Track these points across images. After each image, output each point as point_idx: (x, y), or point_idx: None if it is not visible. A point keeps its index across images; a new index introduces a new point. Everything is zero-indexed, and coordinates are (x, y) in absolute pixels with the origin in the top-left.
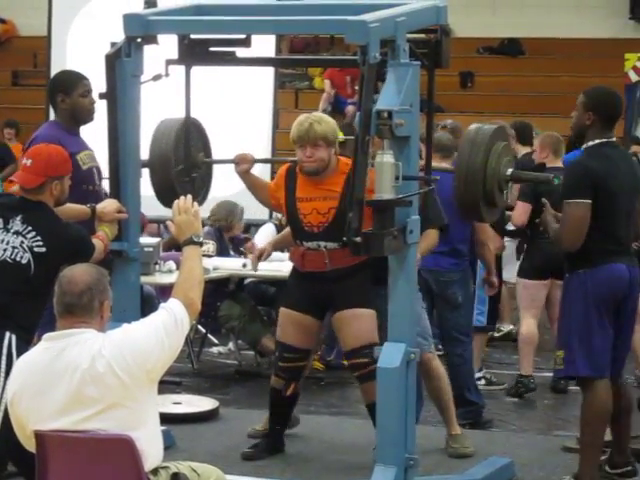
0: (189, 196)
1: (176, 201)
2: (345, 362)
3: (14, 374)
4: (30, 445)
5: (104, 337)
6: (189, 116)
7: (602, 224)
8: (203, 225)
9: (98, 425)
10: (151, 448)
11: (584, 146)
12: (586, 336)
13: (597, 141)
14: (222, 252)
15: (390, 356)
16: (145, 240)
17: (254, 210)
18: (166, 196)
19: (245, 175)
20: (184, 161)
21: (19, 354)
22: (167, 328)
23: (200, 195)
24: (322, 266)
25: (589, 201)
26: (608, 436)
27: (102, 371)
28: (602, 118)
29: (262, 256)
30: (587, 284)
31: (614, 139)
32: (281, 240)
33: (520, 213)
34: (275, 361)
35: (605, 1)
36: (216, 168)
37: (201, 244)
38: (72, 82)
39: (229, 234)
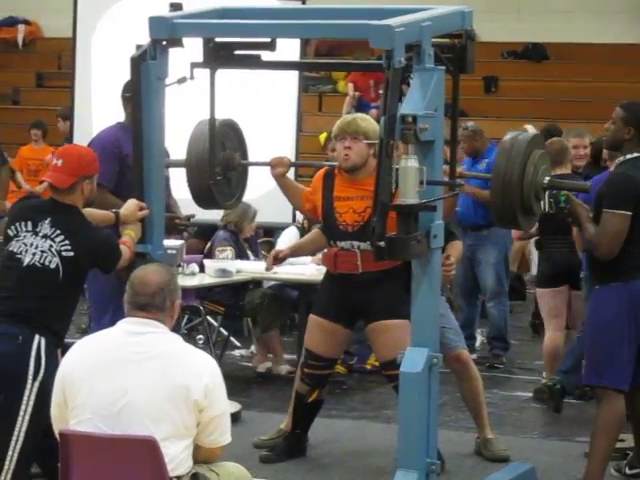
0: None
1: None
2: (383, 372)
3: (77, 348)
4: (61, 425)
5: (207, 364)
6: (214, 120)
7: (638, 237)
8: (216, 228)
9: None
10: (178, 460)
11: (621, 159)
12: (614, 349)
13: (636, 154)
14: (241, 255)
15: (413, 361)
16: (168, 242)
17: (277, 214)
18: (202, 197)
19: (280, 178)
20: (219, 163)
21: (48, 358)
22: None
23: (236, 195)
24: (354, 268)
25: (630, 213)
26: (631, 442)
27: (177, 382)
28: None
29: (278, 257)
30: (622, 297)
31: None
32: (301, 247)
33: None
34: (301, 366)
35: (629, 7)
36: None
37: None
38: None
39: (243, 236)
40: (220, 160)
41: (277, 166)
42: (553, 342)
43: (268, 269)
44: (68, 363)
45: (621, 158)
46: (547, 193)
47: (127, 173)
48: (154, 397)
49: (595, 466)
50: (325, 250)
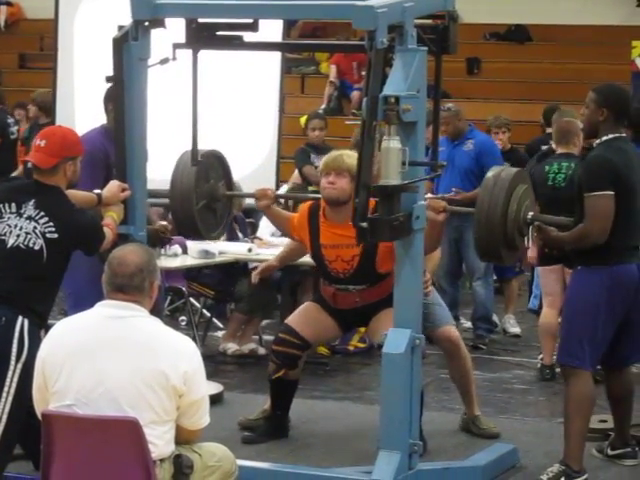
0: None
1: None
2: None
3: (56, 331)
4: (42, 406)
5: (186, 349)
6: (196, 99)
7: (621, 219)
8: None
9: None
10: (161, 443)
11: (598, 141)
12: (589, 330)
13: (611, 135)
14: (232, 237)
15: (395, 342)
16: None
17: None
18: (188, 229)
19: (267, 210)
20: (204, 194)
21: (31, 339)
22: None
23: (221, 226)
24: (353, 304)
25: (612, 192)
26: (612, 423)
27: (158, 368)
28: (615, 113)
29: (267, 272)
30: (603, 280)
31: (625, 134)
32: (288, 256)
33: None
34: (272, 344)
35: None
36: (223, 152)
37: None
38: None
39: (234, 211)
40: (205, 191)
41: (262, 199)
42: (545, 318)
43: (255, 280)
44: (47, 346)
45: (597, 141)
46: (531, 228)
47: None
48: (132, 384)
49: (573, 446)
50: (322, 285)
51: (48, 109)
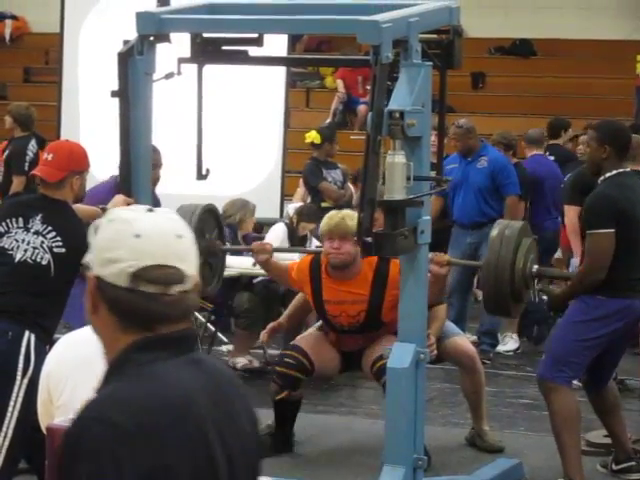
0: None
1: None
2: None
3: (62, 345)
4: (47, 421)
5: None
6: (201, 114)
7: (625, 253)
8: None
9: None
10: None
11: (602, 178)
12: (576, 349)
13: (614, 172)
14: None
15: (400, 356)
16: None
17: (265, 209)
18: None
19: (265, 264)
20: (202, 250)
21: (37, 354)
22: None
23: (216, 279)
24: (357, 346)
25: (613, 230)
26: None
27: None
28: (617, 149)
29: (277, 331)
30: (600, 309)
31: (629, 169)
32: (293, 316)
33: None
34: (275, 365)
35: (616, 3)
36: (228, 167)
37: None
38: None
39: (242, 231)
40: (203, 248)
41: (259, 253)
42: None
43: (264, 342)
44: (52, 361)
45: (601, 177)
46: (535, 281)
47: None
48: None
49: (569, 459)
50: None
51: (24, 123)
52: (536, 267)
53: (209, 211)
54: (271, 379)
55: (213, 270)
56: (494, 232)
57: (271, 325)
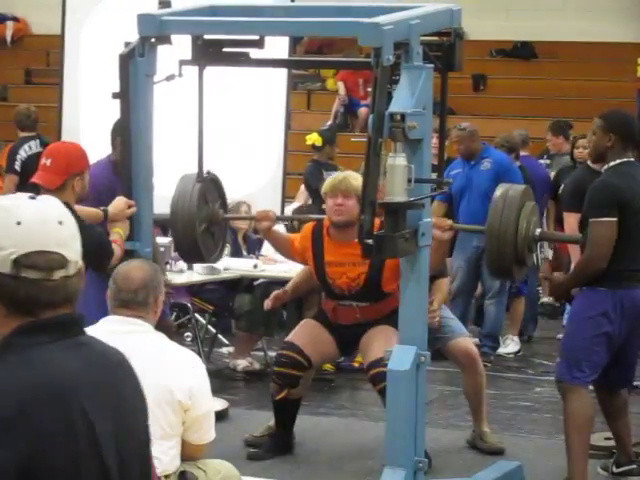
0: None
1: None
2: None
3: None
4: None
5: (191, 364)
6: (202, 115)
7: (627, 243)
8: None
9: None
10: (168, 459)
11: (606, 166)
12: (590, 348)
13: (618, 161)
14: (236, 253)
15: (400, 359)
16: (157, 240)
17: None
18: (190, 253)
19: (267, 233)
20: (204, 218)
21: None
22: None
23: (218, 249)
24: (354, 320)
25: (615, 219)
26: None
27: (162, 382)
28: (622, 139)
29: (279, 301)
30: (607, 302)
31: (633, 159)
32: (297, 287)
33: None
34: (272, 364)
35: (619, 5)
36: (229, 169)
37: None
38: None
39: (238, 230)
40: (205, 215)
41: (262, 220)
42: None
43: (267, 307)
44: None
45: (605, 167)
46: (538, 245)
47: None
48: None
49: (576, 462)
50: (323, 299)
51: (22, 124)
52: (539, 230)
53: (212, 180)
54: (270, 380)
55: (215, 239)
56: (497, 193)
57: (276, 292)
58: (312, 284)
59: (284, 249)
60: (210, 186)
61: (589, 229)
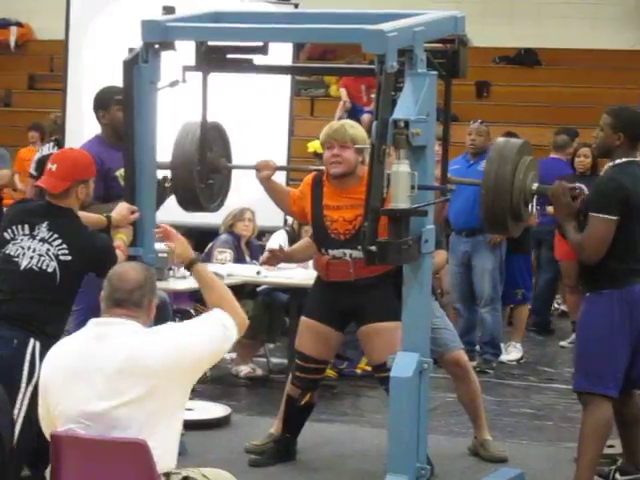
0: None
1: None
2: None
3: (52, 354)
4: (50, 427)
5: (149, 330)
6: (205, 122)
7: (628, 242)
8: (217, 233)
9: (126, 412)
10: (166, 452)
11: (611, 163)
12: (605, 355)
13: (625, 159)
14: (239, 259)
15: (403, 366)
16: (159, 246)
17: (269, 217)
18: (188, 200)
19: (266, 181)
20: (205, 165)
21: (42, 362)
22: (213, 338)
23: (218, 200)
24: (347, 275)
25: (616, 218)
26: (620, 447)
27: (142, 362)
28: (630, 137)
29: (277, 257)
30: (613, 304)
31: (638, 159)
32: (292, 253)
33: None
34: (292, 370)
35: (622, 12)
36: (232, 175)
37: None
38: (109, 97)
39: (241, 236)
40: (207, 161)
41: (263, 169)
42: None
43: (262, 262)
44: (46, 370)
45: (610, 164)
46: (535, 199)
47: (114, 186)
48: (130, 398)
49: (583, 473)
50: (316, 257)
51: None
52: (536, 185)
53: (215, 128)
54: (292, 383)
55: (216, 189)
56: (495, 145)
57: (271, 248)
58: (309, 253)
59: (281, 199)
60: (213, 134)
61: (589, 222)
